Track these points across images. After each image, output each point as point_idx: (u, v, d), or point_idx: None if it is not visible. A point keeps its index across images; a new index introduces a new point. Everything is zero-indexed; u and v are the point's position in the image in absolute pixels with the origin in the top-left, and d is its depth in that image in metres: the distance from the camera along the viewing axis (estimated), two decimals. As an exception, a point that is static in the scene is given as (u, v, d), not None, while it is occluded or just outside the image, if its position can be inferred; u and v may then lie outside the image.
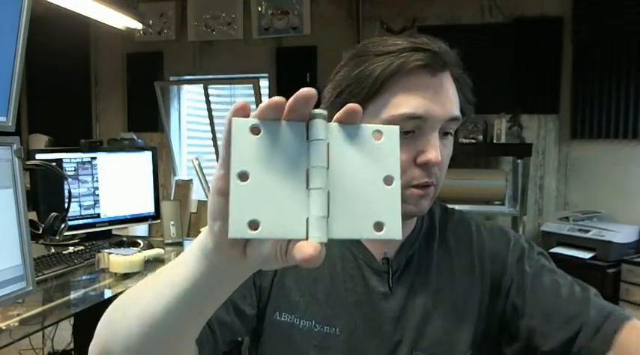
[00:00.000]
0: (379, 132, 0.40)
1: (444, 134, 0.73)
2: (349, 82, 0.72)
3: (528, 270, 0.79)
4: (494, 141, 3.27)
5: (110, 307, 0.58)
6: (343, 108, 0.40)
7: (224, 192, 0.39)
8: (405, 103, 0.69)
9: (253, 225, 0.37)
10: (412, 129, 0.70)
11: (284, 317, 0.78)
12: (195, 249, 0.47)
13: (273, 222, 0.37)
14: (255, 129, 0.38)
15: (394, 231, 0.39)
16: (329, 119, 0.40)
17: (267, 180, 0.38)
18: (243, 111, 0.39)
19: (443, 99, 0.71)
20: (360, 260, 0.79)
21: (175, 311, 0.50)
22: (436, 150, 0.69)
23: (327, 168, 0.39)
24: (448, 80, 0.73)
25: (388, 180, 0.40)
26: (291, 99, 0.38)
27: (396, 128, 0.41)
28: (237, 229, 0.37)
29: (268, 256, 0.41)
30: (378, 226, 0.39)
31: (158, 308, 0.50)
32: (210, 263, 0.45)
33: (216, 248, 0.43)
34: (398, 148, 0.41)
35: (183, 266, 0.48)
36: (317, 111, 0.39)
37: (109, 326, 0.57)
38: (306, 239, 0.37)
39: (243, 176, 0.38)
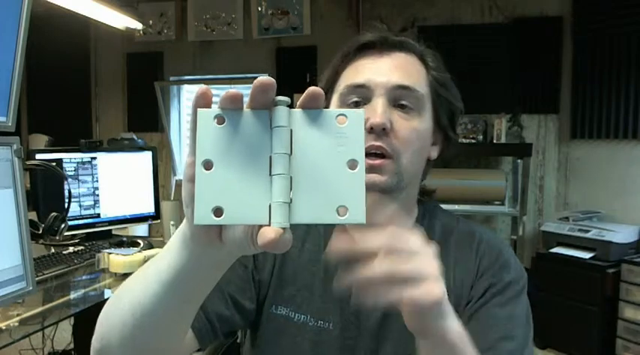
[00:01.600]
0: (343, 115, 0.40)
1: (400, 106, 0.75)
2: (324, 76, 0.82)
3: (482, 300, 0.75)
4: (494, 141, 3.27)
5: (108, 300, 0.60)
6: (305, 93, 0.40)
7: (193, 179, 0.39)
8: (351, 76, 0.78)
9: (217, 211, 0.38)
10: (359, 99, 0.75)
11: (280, 310, 0.78)
12: (176, 237, 0.49)
13: (237, 208, 0.39)
14: (219, 119, 0.39)
15: (358, 215, 0.39)
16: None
17: (231, 168, 0.39)
18: (203, 100, 0.40)
19: (387, 68, 0.76)
20: None
21: (163, 300, 0.51)
22: (379, 114, 0.71)
23: (290, 154, 0.40)
24: (401, 57, 0.78)
25: (352, 165, 0.40)
26: (251, 88, 0.39)
27: (361, 111, 0.41)
28: (202, 216, 0.39)
29: (241, 241, 0.42)
30: (342, 210, 0.39)
31: (147, 298, 0.51)
32: (190, 250, 0.46)
33: (192, 234, 0.44)
34: (362, 132, 0.40)
35: (167, 254, 0.50)
36: (280, 98, 0.40)
37: (106, 318, 0.59)
38: (269, 224, 0.38)
39: (208, 164, 0.39)
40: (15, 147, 1.13)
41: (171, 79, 4.13)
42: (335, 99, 0.79)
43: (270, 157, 0.39)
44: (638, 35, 3.04)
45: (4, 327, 1.28)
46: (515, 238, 3.17)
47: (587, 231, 2.92)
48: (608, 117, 3.17)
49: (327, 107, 0.77)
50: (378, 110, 0.72)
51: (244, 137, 0.39)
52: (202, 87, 0.40)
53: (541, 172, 3.43)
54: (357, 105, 0.75)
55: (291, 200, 0.39)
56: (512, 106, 3.28)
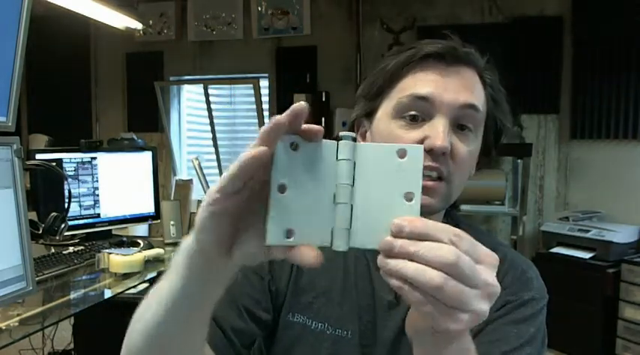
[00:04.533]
0: (404, 150, 0.44)
1: (460, 127, 0.70)
2: (369, 79, 0.76)
3: (496, 314, 0.71)
4: (494, 141, 3.27)
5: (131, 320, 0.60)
6: (306, 126, 0.43)
7: (214, 204, 0.41)
8: (413, 86, 0.71)
9: (289, 233, 0.42)
10: (418, 112, 0.69)
11: (296, 318, 0.77)
12: (179, 257, 0.49)
13: (305, 230, 0.43)
14: (295, 146, 0.43)
15: None
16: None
17: (302, 193, 0.43)
18: (295, 119, 0.42)
19: (455, 86, 0.69)
20: (372, 262, 0.77)
21: (167, 322, 0.51)
22: (442, 137, 0.66)
23: (352, 185, 0.44)
24: (468, 74, 0.72)
25: (408, 197, 0.44)
26: (288, 112, 0.41)
27: (420, 148, 0.45)
28: (275, 237, 0.42)
29: (255, 253, 0.44)
30: None
31: (153, 322, 0.52)
32: (194, 264, 0.47)
33: (201, 249, 0.45)
34: (421, 167, 0.44)
35: (169, 275, 0.50)
36: (346, 133, 0.44)
37: (128, 339, 0.58)
38: (331, 246, 0.43)
39: (282, 188, 0.42)
40: (15, 147, 1.13)
41: (171, 79, 4.13)
42: (388, 107, 0.72)
43: (336, 186, 0.44)
44: (638, 35, 3.04)
45: (4, 327, 1.28)
46: (515, 238, 3.17)
47: (587, 231, 2.92)
48: (608, 117, 3.17)
49: (372, 112, 0.75)
50: (440, 131, 0.67)
51: (314, 165, 0.43)
52: (300, 104, 0.42)
53: (541, 172, 3.43)
54: (414, 119, 0.69)
55: (350, 226, 0.44)
56: (512, 106, 3.27)
